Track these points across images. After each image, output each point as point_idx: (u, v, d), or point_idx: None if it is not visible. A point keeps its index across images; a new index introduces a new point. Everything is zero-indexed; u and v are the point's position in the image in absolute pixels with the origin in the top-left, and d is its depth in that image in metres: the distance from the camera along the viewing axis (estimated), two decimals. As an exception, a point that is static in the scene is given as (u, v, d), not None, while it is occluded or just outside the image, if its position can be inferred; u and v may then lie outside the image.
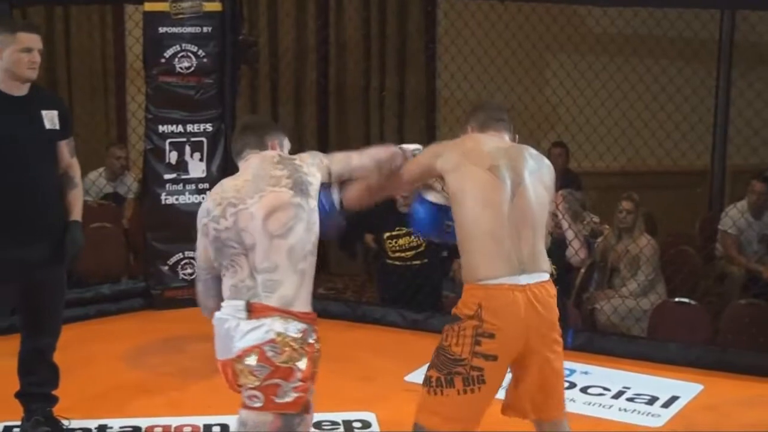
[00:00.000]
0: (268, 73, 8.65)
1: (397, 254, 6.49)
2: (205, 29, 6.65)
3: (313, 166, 3.54)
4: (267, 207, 3.34)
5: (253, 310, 3.30)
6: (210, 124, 6.72)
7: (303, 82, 8.70)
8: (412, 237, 6.44)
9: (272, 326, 3.27)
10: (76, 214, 4.53)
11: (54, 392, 4.64)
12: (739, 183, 7.33)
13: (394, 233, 6.48)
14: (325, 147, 8.59)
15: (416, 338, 6.01)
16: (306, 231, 3.35)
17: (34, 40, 4.31)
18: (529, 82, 7.48)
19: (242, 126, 3.75)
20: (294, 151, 9.13)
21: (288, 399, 3.28)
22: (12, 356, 4.72)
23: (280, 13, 8.62)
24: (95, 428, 4.79)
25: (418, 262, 6.47)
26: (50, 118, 4.42)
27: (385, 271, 6.68)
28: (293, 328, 3.28)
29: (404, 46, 8.77)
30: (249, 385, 3.31)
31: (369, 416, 4.97)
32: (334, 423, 4.90)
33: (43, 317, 4.54)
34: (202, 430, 4.83)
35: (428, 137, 8.96)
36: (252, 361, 3.30)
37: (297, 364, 3.27)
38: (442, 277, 6.79)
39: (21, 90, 4.32)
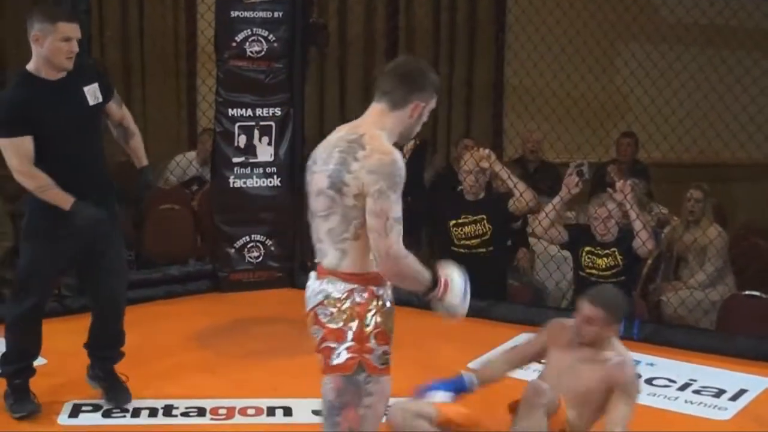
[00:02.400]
0: (337, 60, 8.64)
1: (463, 242, 6.43)
2: (275, 14, 6.65)
3: (366, 174, 3.16)
4: (314, 187, 3.28)
5: (317, 271, 3.31)
6: (279, 109, 6.72)
7: (372, 69, 8.67)
8: (478, 225, 6.39)
9: (322, 287, 3.25)
10: (144, 158, 4.73)
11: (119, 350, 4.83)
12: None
13: (459, 221, 6.42)
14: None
15: (480, 326, 5.96)
16: (343, 222, 3.22)
17: (73, 30, 4.33)
18: (599, 71, 7.38)
19: (392, 65, 3.41)
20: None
21: (339, 360, 3.23)
22: (82, 334, 4.78)
23: (351, -1, 8.63)
24: (162, 408, 4.81)
25: (483, 249, 6.41)
26: (92, 93, 4.47)
27: (450, 258, 6.62)
28: (338, 289, 3.23)
29: (474, 34, 8.75)
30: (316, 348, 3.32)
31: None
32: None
33: (107, 277, 4.67)
34: (265, 412, 4.82)
35: (494, 125, 8.92)
36: (310, 325, 3.31)
37: (349, 324, 3.21)
38: (507, 265, 6.73)
39: (60, 73, 4.36)
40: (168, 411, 4.78)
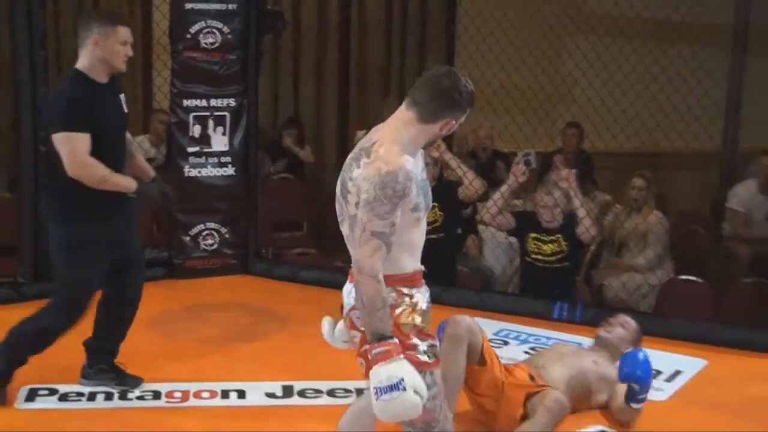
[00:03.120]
0: (291, 51, 8.68)
1: None
2: (230, 6, 6.68)
3: (362, 181, 3.12)
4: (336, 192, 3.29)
5: (349, 273, 3.27)
6: (233, 99, 6.77)
7: (324, 61, 8.73)
8: (429, 212, 6.47)
9: (352, 291, 3.24)
10: (151, 170, 4.80)
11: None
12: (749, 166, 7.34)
13: None
14: (345, 124, 8.65)
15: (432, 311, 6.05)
16: (350, 230, 3.20)
17: (129, 34, 4.41)
18: (545, 64, 7.48)
19: (429, 75, 3.25)
20: (312, 129, 9.21)
21: None
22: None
23: (304, -9, 8.68)
24: (117, 392, 4.86)
25: (434, 236, 6.49)
26: (124, 101, 4.60)
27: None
28: None
29: (425, 26, 8.80)
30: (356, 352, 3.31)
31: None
32: (347, 390, 4.94)
33: (133, 279, 4.78)
34: (219, 394, 4.88)
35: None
36: (348, 330, 3.35)
37: None
38: (457, 251, 6.83)
39: (106, 78, 4.42)
40: (124, 395, 4.83)
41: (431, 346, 3.20)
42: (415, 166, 3.15)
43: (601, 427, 4.52)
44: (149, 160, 7.61)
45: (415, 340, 3.17)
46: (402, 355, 3.06)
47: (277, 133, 8.33)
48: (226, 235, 6.84)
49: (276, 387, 5.00)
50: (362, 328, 3.19)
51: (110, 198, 4.43)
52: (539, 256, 6.22)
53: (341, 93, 8.74)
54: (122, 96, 4.58)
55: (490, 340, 5.70)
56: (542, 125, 7.44)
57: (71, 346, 4.81)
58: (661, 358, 5.41)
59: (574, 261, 6.31)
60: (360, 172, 3.12)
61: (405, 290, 3.21)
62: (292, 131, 8.24)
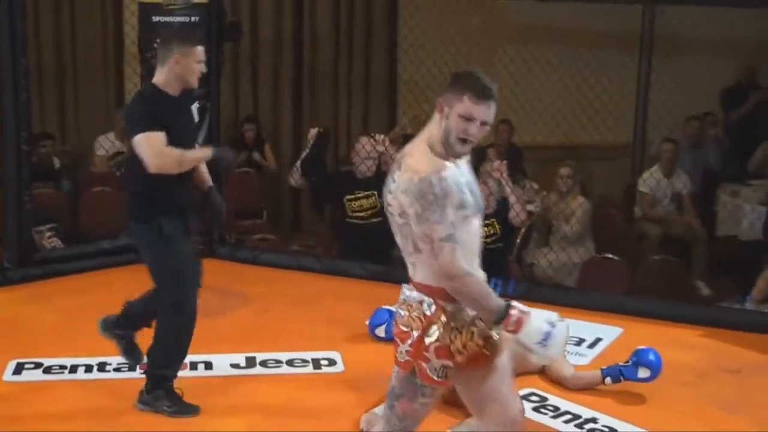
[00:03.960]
0: (249, 59, 8.65)
1: (356, 214, 6.53)
2: (193, 18, 6.62)
3: (401, 194, 2.97)
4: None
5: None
6: (197, 102, 6.68)
7: (280, 66, 8.70)
8: (369, 199, 6.50)
9: (405, 292, 3.09)
10: (210, 179, 4.57)
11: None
12: (659, 153, 7.43)
13: (353, 196, 6.52)
14: (299, 123, 8.63)
15: (377, 287, 6.07)
16: (401, 238, 3.05)
17: (203, 53, 4.31)
18: (478, 67, 7.49)
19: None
20: (270, 128, 9.18)
21: (400, 359, 3.10)
22: (25, 304, 4.73)
23: (261, 4, 8.62)
24: (96, 364, 4.84)
25: (374, 220, 6.53)
26: (196, 111, 4.55)
27: (346, 228, 6.72)
28: (413, 297, 3.03)
29: (369, 35, 8.79)
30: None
31: (335, 355, 5.03)
32: (304, 360, 4.96)
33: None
34: (188, 366, 4.83)
35: (390, 115, 9.01)
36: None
37: (413, 331, 3.02)
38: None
39: (179, 92, 4.30)
40: (102, 367, 4.82)
41: (444, 367, 2.99)
42: (456, 165, 2.95)
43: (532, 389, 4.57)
44: (118, 153, 7.62)
45: (431, 355, 2.99)
46: (528, 309, 2.95)
47: (238, 130, 8.30)
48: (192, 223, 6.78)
49: (240, 358, 4.99)
50: (400, 325, 3.05)
51: (183, 198, 4.33)
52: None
53: (295, 95, 8.70)
54: (194, 107, 4.51)
55: (433, 314, 5.77)
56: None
57: (55, 324, 4.77)
58: (583, 327, 5.48)
59: (506, 242, 6.35)
60: (396, 184, 2.97)
61: (444, 304, 2.99)
62: (250, 126, 8.22)
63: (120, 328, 4.56)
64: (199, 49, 4.28)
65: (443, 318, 2.98)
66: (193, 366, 4.86)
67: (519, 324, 2.91)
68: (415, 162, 2.92)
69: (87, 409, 4.40)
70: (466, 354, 2.97)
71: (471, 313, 2.98)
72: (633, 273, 6.37)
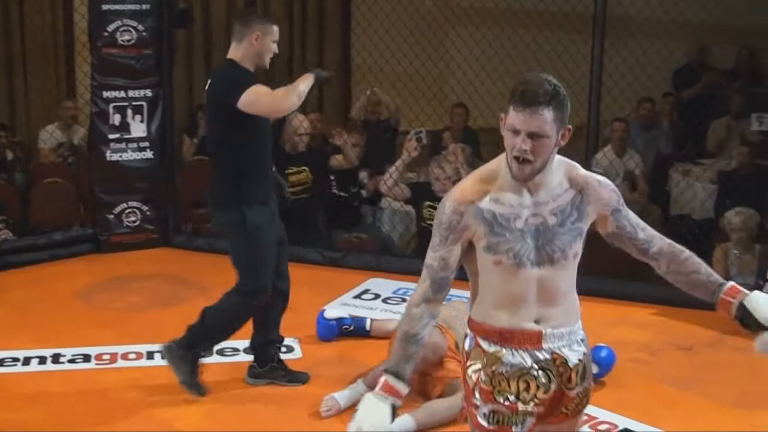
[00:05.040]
0: (202, 45, 8.61)
1: (288, 189, 6.54)
2: (143, 6, 6.61)
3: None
4: None
5: None
6: (149, 90, 6.70)
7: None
8: (301, 174, 6.55)
9: None
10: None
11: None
12: (610, 133, 7.50)
13: (286, 172, 6.54)
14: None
15: (334, 274, 6.09)
16: None
17: (278, 33, 4.32)
18: (431, 50, 7.54)
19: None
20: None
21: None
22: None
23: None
24: (50, 356, 4.82)
25: (305, 195, 6.60)
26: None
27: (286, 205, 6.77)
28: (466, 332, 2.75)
29: (323, 20, 8.80)
30: None
31: (293, 341, 5.04)
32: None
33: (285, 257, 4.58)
34: (145, 356, 4.88)
35: (344, 100, 9.03)
36: None
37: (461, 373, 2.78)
38: (322, 210, 6.83)
39: (253, 69, 4.28)
40: (56, 359, 4.81)
41: (494, 412, 2.61)
42: (499, 202, 2.55)
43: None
44: (61, 144, 7.57)
45: (478, 399, 2.63)
46: (392, 399, 2.54)
47: (193, 119, 8.27)
48: (148, 212, 6.77)
49: (197, 347, 4.98)
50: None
51: (268, 183, 4.35)
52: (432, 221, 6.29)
53: (249, 82, 8.68)
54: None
55: (389, 299, 5.82)
56: (430, 105, 7.48)
57: (7, 316, 4.76)
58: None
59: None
60: None
61: (482, 342, 2.64)
62: (205, 115, 8.15)
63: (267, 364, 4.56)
64: (276, 29, 4.29)
65: (482, 358, 2.64)
66: (150, 355, 4.87)
67: (384, 389, 2.54)
68: (460, 181, 2.65)
69: (41, 401, 4.38)
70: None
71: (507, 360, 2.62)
72: (587, 252, 6.41)
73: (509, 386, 2.59)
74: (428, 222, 6.32)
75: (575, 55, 6.85)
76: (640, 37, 7.54)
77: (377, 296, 5.88)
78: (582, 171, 2.64)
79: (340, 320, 5.14)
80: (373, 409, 2.53)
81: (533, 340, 2.61)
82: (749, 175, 6.71)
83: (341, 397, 4.26)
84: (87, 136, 7.35)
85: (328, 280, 6.06)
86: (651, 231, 2.73)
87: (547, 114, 2.46)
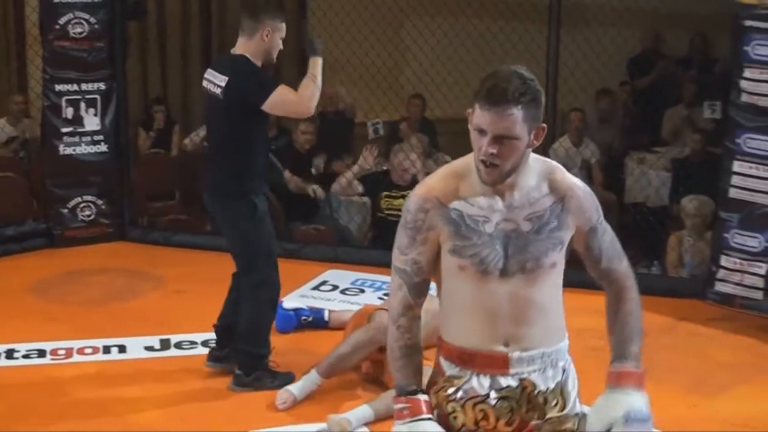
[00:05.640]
0: (156, 38, 8.57)
1: None
2: (95, -2, 6.59)
3: None
4: None
5: None
6: (102, 83, 6.67)
7: (188, 43, 8.64)
8: None
9: None
10: None
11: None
12: (566, 123, 7.58)
13: None
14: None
15: (291, 265, 6.09)
16: None
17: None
18: (386, 41, 7.55)
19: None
20: (179, 108, 9.08)
21: None
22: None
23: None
24: (4, 352, 4.80)
25: None
26: None
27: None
28: None
29: (279, 9, 8.77)
30: None
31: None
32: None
33: None
34: (101, 350, 4.87)
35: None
36: None
37: None
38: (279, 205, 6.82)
39: (260, 65, 4.30)
40: (10, 354, 4.78)
41: None
42: (468, 202, 2.33)
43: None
44: (12, 139, 7.50)
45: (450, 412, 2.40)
46: (426, 414, 2.34)
47: (147, 112, 8.23)
48: (102, 206, 6.74)
49: (154, 341, 5.00)
50: None
51: (266, 176, 4.41)
52: (392, 211, 6.35)
53: (204, 71, 8.60)
54: None
55: (347, 290, 5.84)
56: (386, 96, 7.50)
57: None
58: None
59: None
60: None
61: (444, 364, 2.41)
62: (160, 107, 8.14)
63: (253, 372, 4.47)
64: (284, 26, 4.32)
65: (441, 380, 2.42)
66: (106, 350, 4.87)
67: (399, 416, 2.36)
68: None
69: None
70: None
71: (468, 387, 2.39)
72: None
73: (465, 414, 2.36)
74: (386, 212, 6.38)
75: (530, 44, 6.90)
76: (596, 25, 7.61)
77: (335, 287, 5.90)
78: (566, 176, 2.40)
79: (298, 311, 5.16)
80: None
81: (499, 364, 2.35)
82: (702, 163, 6.82)
83: (295, 388, 4.29)
84: (40, 130, 7.29)
85: (286, 271, 5.99)
86: (616, 264, 2.50)
87: (517, 113, 2.22)
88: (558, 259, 2.37)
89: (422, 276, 2.38)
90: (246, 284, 4.40)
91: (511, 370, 2.36)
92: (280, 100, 4.20)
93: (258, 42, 4.25)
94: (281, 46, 4.34)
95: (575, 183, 2.41)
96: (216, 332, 4.61)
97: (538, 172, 2.36)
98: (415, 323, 2.39)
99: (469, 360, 2.36)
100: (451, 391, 2.37)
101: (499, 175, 2.28)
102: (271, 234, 4.39)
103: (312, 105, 4.29)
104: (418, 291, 2.39)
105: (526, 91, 2.23)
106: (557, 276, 2.40)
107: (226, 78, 4.26)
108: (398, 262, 2.38)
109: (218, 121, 4.37)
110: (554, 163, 2.43)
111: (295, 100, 4.24)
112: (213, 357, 4.62)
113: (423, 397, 2.36)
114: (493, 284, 2.32)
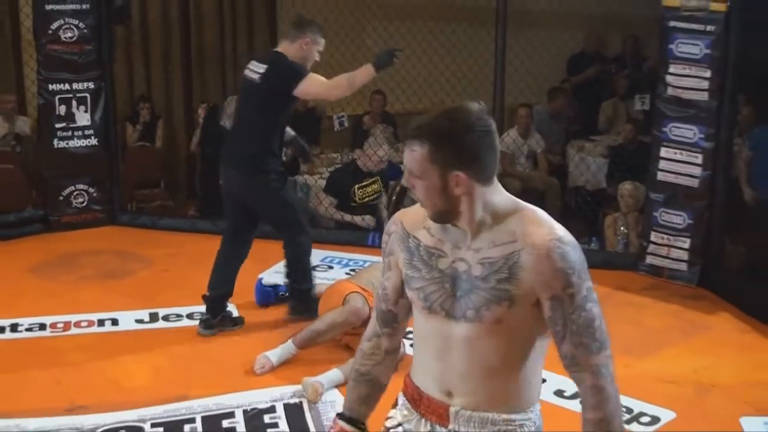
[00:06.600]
0: (140, 41, 8.58)
1: None
2: (84, 6, 6.58)
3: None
4: None
5: None
6: (92, 83, 6.67)
7: (170, 47, 8.65)
8: None
9: None
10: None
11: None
12: (513, 118, 7.69)
13: None
14: (190, 99, 8.61)
15: (268, 245, 6.14)
16: None
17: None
18: (349, 43, 7.61)
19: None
20: (163, 105, 9.08)
21: None
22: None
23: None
24: (8, 326, 4.84)
25: None
26: None
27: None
28: None
29: (251, 13, 8.81)
30: None
31: (231, 307, 5.02)
32: (203, 313, 4.98)
33: None
34: (96, 323, 4.91)
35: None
36: None
37: None
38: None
39: None
40: (14, 328, 4.82)
41: None
42: (431, 233, 2.02)
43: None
44: (5, 136, 7.48)
45: None
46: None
47: (134, 108, 8.25)
48: (94, 194, 6.76)
49: (144, 314, 5.05)
50: None
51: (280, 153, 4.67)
52: (367, 197, 6.48)
53: (185, 73, 8.66)
54: None
55: (317, 266, 5.90)
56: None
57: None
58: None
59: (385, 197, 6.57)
60: None
61: (399, 398, 2.13)
62: (145, 104, 8.17)
63: (219, 314, 4.77)
64: (323, 41, 4.54)
65: (394, 413, 2.14)
66: (101, 323, 4.92)
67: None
68: None
69: (1, 366, 4.40)
70: None
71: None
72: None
73: None
74: (360, 201, 6.49)
75: (480, 45, 6.99)
76: (538, 28, 7.73)
77: (307, 264, 5.96)
78: (544, 231, 1.92)
79: (276, 288, 5.23)
80: None
81: (439, 413, 2.01)
82: (634, 150, 6.95)
83: (273, 355, 4.37)
84: (35, 127, 7.32)
85: (264, 250, 6.09)
86: (582, 353, 1.96)
87: (419, 150, 1.89)
88: (507, 317, 1.91)
89: (387, 304, 2.10)
90: (288, 238, 4.77)
91: (450, 425, 1.99)
92: (310, 85, 4.43)
93: (297, 48, 4.49)
94: (317, 58, 4.53)
95: (548, 242, 1.91)
96: (208, 302, 4.76)
97: (516, 221, 1.95)
98: (377, 352, 2.14)
99: (418, 400, 2.05)
100: (393, 423, 2.09)
101: (433, 215, 1.96)
102: (293, 196, 4.79)
103: (335, 94, 4.62)
104: (384, 320, 2.12)
105: (439, 130, 1.88)
106: (520, 338, 1.95)
107: (266, 66, 4.50)
108: (379, 285, 2.15)
109: (253, 104, 4.55)
110: (544, 216, 1.97)
111: (321, 87, 4.50)
112: (206, 325, 4.77)
113: (348, 428, 2.14)
114: (441, 325, 1.98)
